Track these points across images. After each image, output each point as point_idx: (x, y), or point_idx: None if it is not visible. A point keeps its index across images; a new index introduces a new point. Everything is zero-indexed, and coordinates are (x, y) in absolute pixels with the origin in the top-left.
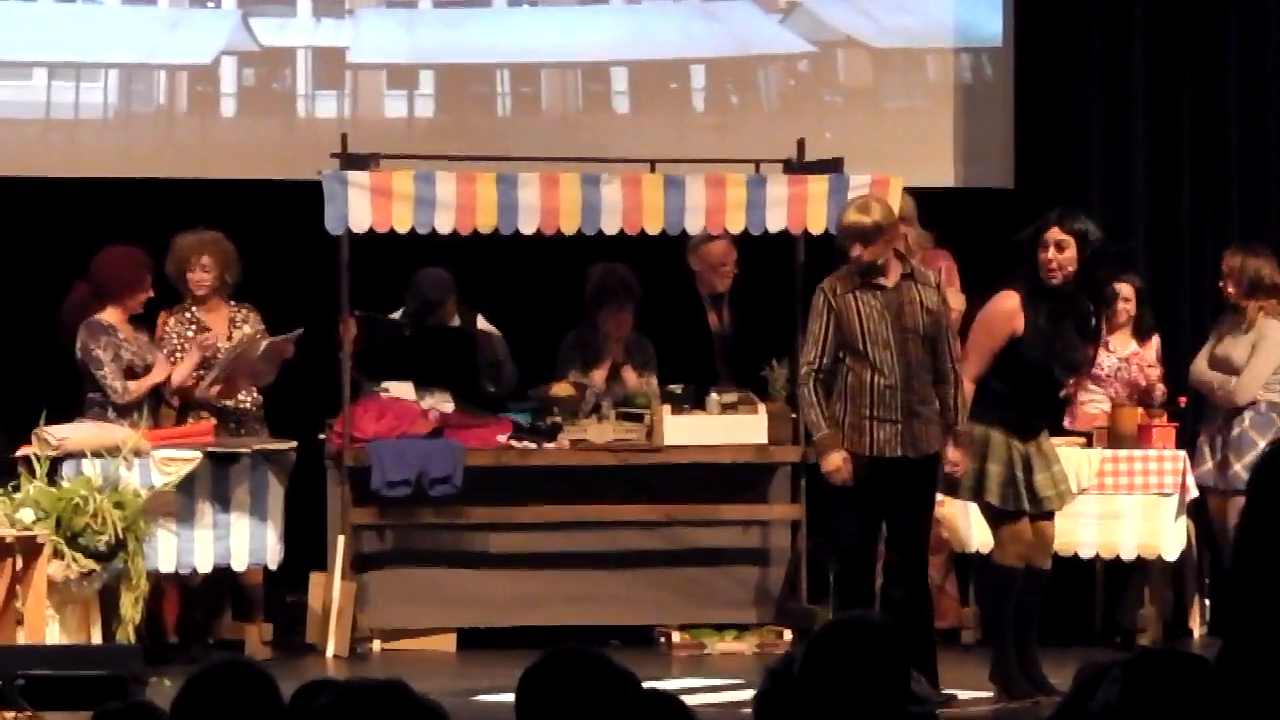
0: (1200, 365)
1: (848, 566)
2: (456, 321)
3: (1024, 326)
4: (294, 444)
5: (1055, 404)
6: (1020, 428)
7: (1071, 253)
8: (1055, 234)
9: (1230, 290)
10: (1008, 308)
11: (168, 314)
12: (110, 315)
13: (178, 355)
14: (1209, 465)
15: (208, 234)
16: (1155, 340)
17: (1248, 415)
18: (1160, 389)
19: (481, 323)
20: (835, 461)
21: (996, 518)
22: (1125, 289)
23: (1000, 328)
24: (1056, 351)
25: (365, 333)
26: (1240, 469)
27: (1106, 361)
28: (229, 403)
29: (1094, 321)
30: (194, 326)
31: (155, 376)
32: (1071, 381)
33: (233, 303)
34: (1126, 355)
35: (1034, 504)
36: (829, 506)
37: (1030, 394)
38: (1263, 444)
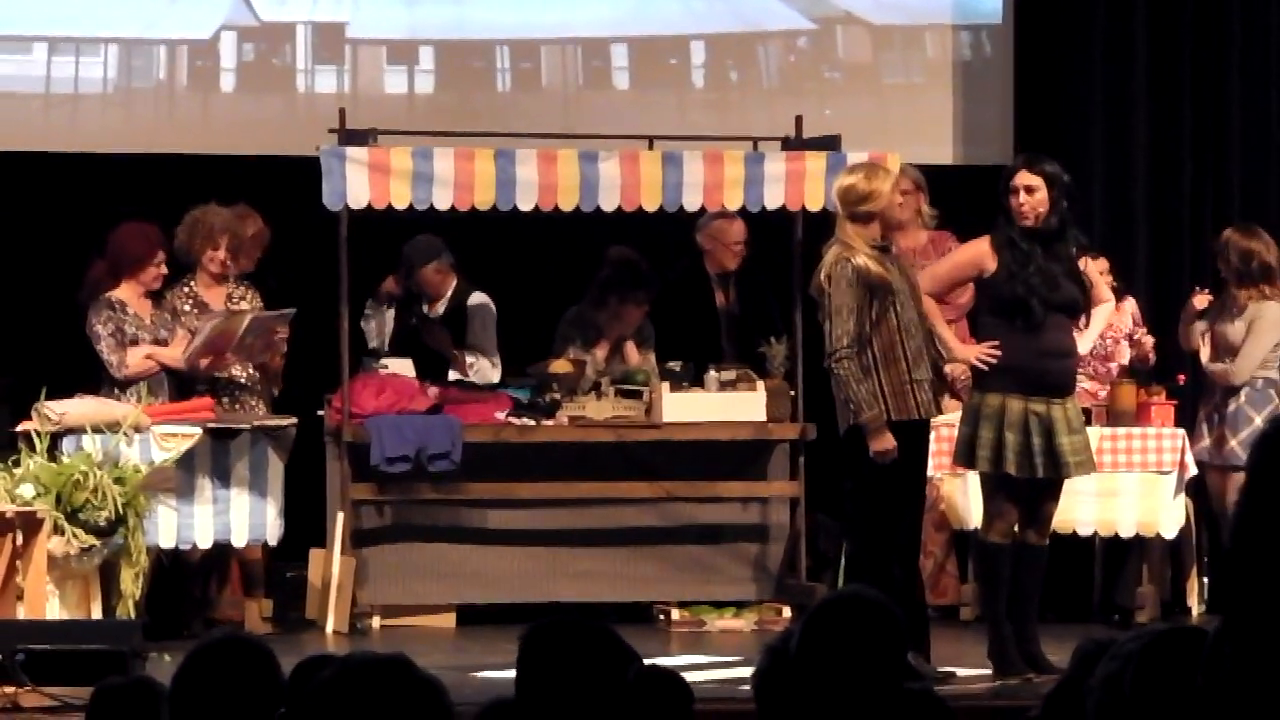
0: (1186, 327)
1: (871, 546)
2: (449, 293)
3: (997, 267)
4: (294, 420)
5: (1066, 355)
6: (1033, 384)
7: (1042, 194)
8: (1024, 177)
9: (1225, 273)
10: (977, 248)
11: (168, 290)
12: (122, 291)
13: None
14: (1207, 442)
15: (225, 211)
16: (1129, 304)
17: (1244, 391)
18: (1146, 344)
19: (477, 297)
20: (890, 442)
21: (988, 493)
22: (1102, 264)
23: (961, 258)
24: (1034, 287)
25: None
26: (1236, 445)
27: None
28: (222, 375)
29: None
30: (192, 301)
31: (163, 353)
32: (1083, 345)
33: (233, 280)
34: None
35: (1055, 469)
36: (839, 484)
37: (1022, 336)
38: (1259, 420)
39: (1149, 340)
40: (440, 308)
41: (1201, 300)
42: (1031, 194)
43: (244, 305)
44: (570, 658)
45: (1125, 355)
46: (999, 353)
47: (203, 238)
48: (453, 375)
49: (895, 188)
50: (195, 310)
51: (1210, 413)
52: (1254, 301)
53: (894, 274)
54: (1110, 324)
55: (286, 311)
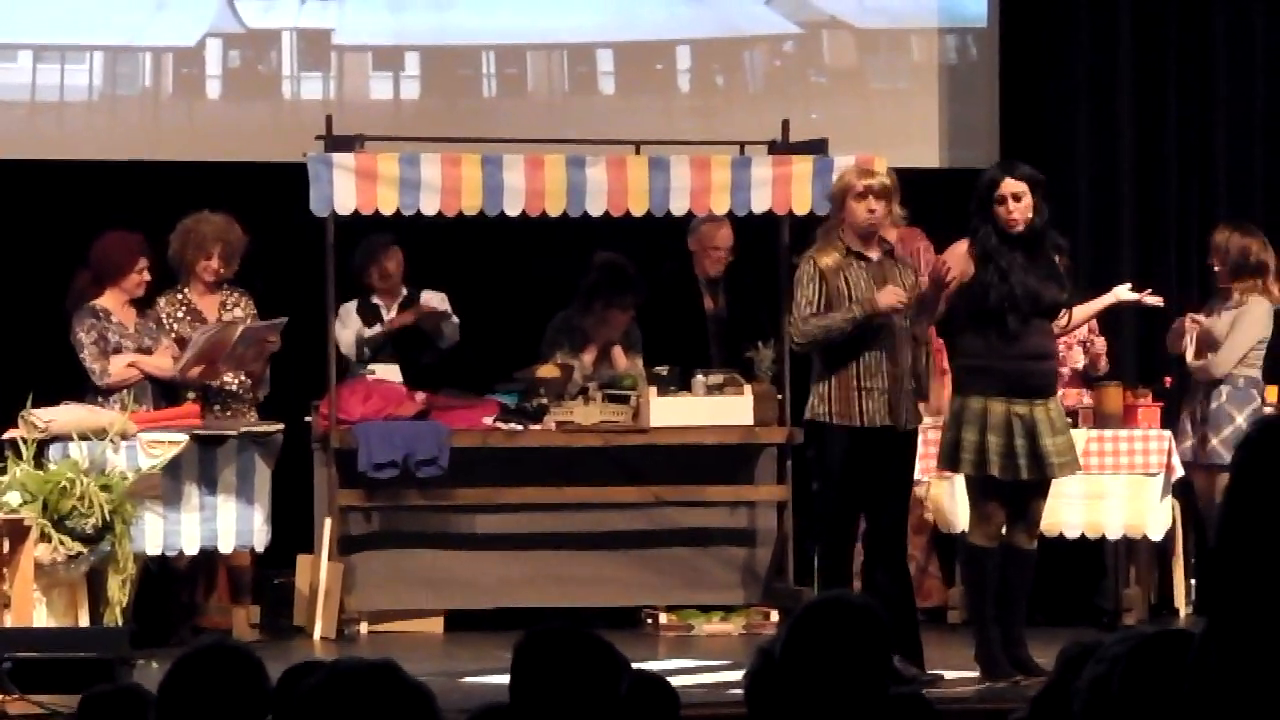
0: (1177, 328)
1: (832, 547)
2: (404, 292)
3: (974, 272)
4: (280, 426)
5: (1046, 357)
6: (1014, 386)
7: (1028, 200)
8: (1010, 185)
9: (1217, 269)
10: (954, 253)
11: (160, 296)
12: (107, 300)
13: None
14: (1190, 443)
15: (218, 219)
16: None
17: (1225, 390)
18: (1103, 360)
19: (426, 291)
20: (887, 292)
21: (974, 496)
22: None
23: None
24: (1011, 300)
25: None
26: (1218, 444)
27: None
28: (214, 383)
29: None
30: (185, 308)
31: (147, 362)
32: (1062, 341)
33: (225, 286)
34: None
35: (1039, 470)
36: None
37: (999, 341)
38: (1240, 419)
39: (1100, 342)
40: (394, 309)
41: (1191, 326)
42: (1019, 201)
43: (237, 312)
44: (564, 666)
45: (1079, 360)
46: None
47: (195, 247)
48: (449, 339)
49: (859, 178)
50: (188, 318)
51: (1193, 413)
52: (1243, 296)
53: (860, 280)
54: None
55: (278, 321)
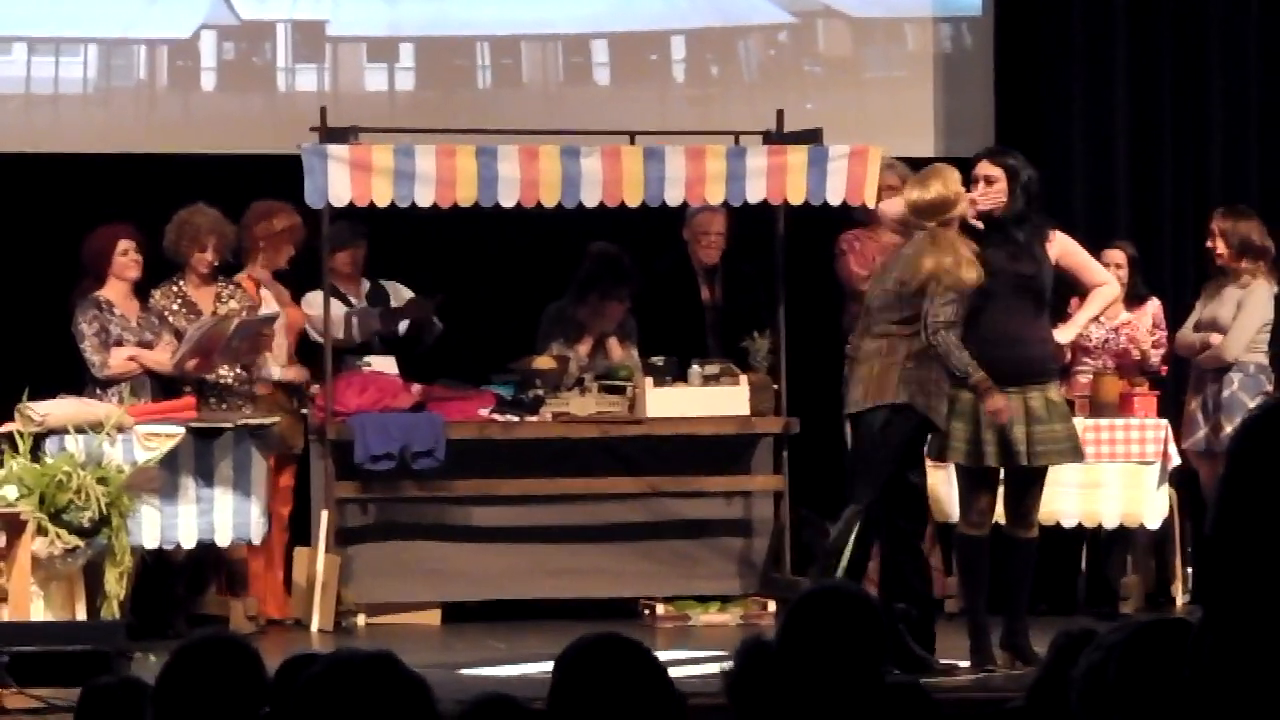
0: (1184, 331)
1: (873, 512)
2: (365, 285)
3: None
4: (277, 419)
5: (1018, 342)
6: (997, 374)
7: (1001, 185)
8: (984, 168)
9: (1221, 253)
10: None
11: (155, 289)
12: (109, 291)
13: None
14: (1203, 432)
15: (213, 211)
16: (1151, 305)
17: (1236, 377)
18: (1155, 355)
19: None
20: (1000, 401)
21: (963, 485)
22: (1116, 256)
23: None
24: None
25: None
26: (1232, 431)
27: (1095, 332)
28: (209, 377)
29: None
30: (180, 301)
31: (147, 356)
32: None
33: (221, 279)
34: (1116, 325)
35: (1006, 458)
36: (838, 477)
37: (973, 327)
38: (1252, 406)
39: (1147, 340)
40: (362, 299)
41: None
42: (991, 184)
43: (233, 304)
44: (608, 676)
45: (1138, 356)
46: None
47: (189, 239)
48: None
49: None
50: (184, 310)
51: (1203, 401)
52: (1245, 280)
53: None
54: (1130, 322)
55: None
